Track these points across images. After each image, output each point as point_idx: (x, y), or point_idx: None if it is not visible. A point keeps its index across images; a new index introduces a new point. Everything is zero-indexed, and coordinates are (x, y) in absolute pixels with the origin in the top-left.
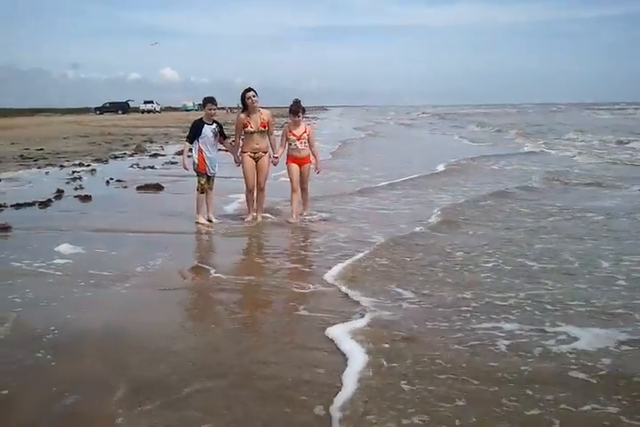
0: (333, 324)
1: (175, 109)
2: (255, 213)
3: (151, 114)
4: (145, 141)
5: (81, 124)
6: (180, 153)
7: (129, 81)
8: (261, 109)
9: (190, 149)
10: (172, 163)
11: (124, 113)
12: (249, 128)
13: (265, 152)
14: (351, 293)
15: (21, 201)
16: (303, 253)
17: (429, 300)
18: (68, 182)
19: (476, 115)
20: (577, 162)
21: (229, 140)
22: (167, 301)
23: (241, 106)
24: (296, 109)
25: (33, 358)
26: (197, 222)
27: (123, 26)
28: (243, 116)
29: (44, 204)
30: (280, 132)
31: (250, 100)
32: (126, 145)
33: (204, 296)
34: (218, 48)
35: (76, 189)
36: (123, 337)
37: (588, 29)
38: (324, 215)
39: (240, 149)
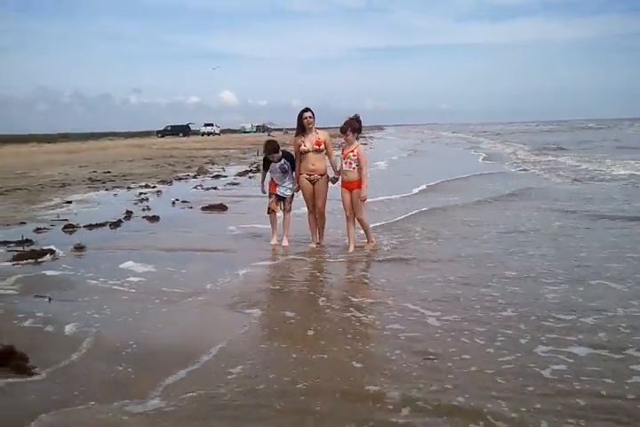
0: None
1: (234, 131)
2: (318, 238)
3: (211, 136)
4: (206, 163)
5: (143, 148)
6: (241, 174)
7: (188, 104)
8: (318, 130)
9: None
10: (234, 184)
11: (184, 136)
12: (303, 147)
13: (322, 175)
14: None
15: (93, 222)
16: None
17: None
18: (135, 203)
19: (529, 132)
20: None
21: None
22: (235, 317)
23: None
24: (345, 127)
25: (114, 370)
26: (270, 244)
27: (181, 50)
28: (298, 137)
29: (115, 224)
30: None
31: (306, 121)
32: (189, 167)
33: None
34: (275, 70)
35: (143, 209)
36: (195, 351)
37: None
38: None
39: (298, 172)
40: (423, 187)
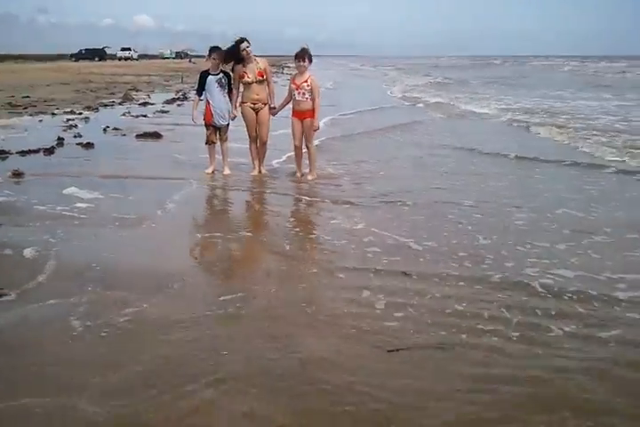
0: None
1: (152, 57)
2: (259, 166)
3: (128, 61)
4: (130, 90)
5: (59, 71)
6: (169, 102)
7: (101, 27)
8: (257, 58)
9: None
10: (163, 111)
11: (100, 60)
12: (246, 78)
13: (265, 103)
14: None
15: (24, 148)
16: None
17: None
18: (64, 130)
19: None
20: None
21: (233, 91)
22: (184, 238)
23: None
24: (301, 54)
25: (85, 290)
26: (206, 173)
27: None
28: (239, 67)
29: (49, 151)
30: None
31: (244, 52)
32: (112, 93)
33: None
34: None
35: (75, 136)
36: (160, 269)
37: None
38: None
39: (240, 100)
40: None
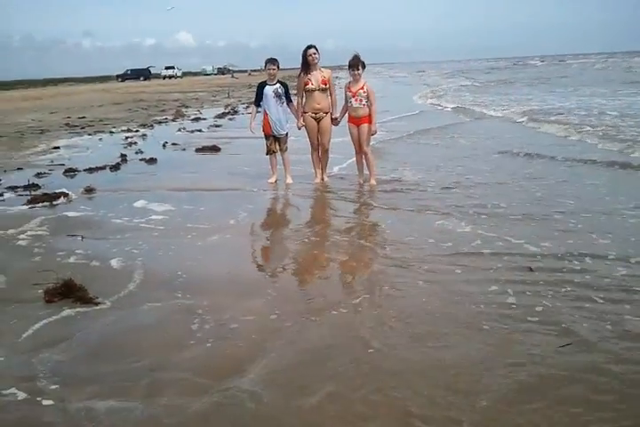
0: None
1: (195, 74)
2: (321, 174)
3: (172, 79)
4: (180, 106)
5: (109, 92)
6: (220, 116)
7: (144, 47)
8: (322, 68)
9: (258, 112)
10: (217, 126)
11: (145, 79)
12: (310, 85)
13: (327, 113)
14: None
15: (91, 166)
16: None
17: None
18: (125, 147)
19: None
20: None
21: (294, 104)
22: (261, 245)
23: (259, 69)
24: (355, 63)
25: (174, 297)
26: (269, 182)
27: None
28: (303, 74)
29: (115, 167)
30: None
31: (311, 57)
32: (163, 111)
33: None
34: (233, 10)
35: (136, 153)
36: (242, 277)
37: None
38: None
39: (302, 110)
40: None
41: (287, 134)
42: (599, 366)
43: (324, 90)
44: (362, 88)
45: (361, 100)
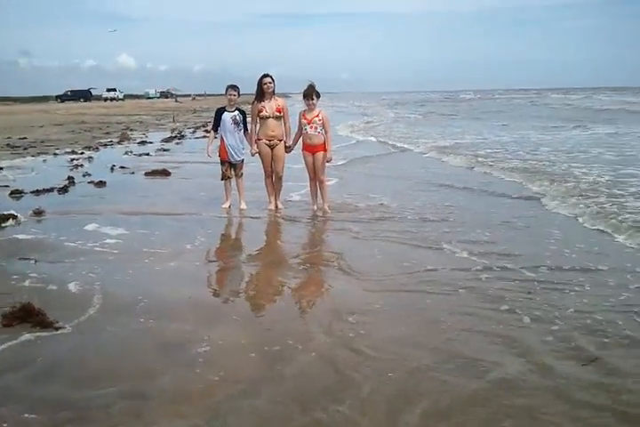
0: None
1: (137, 97)
2: (275, 201)
3: (114, 102)
4: (124, 129)
5: (49, 113)
6: (167, 140)
7: (84, 68)
8: (276, 97)
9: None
10: (164, 150)
11: (86, 101)
12: (264, 113)
13: (280, 140)
14: None
15: (37, 188)
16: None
17: None
18: (71, 169)
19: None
20: None
21: (248, 133)
22: (220, 270)
23: (202, 94)
24: (309, 93)
25: (136, 321)
26: (222, 207)
27: (72, 11)
28: (256, 102)
29: (63, 189)
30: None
31: (266, 86)
32: (107, 133)
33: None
34: (175, 34)
35: (84, 175)
36: (204, 302)
37: (554, 16)
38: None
39: (256, 137)
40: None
41: (243, 160)
42: None
43: (278, 117)
44: (317, 116)
45: (316, 128)
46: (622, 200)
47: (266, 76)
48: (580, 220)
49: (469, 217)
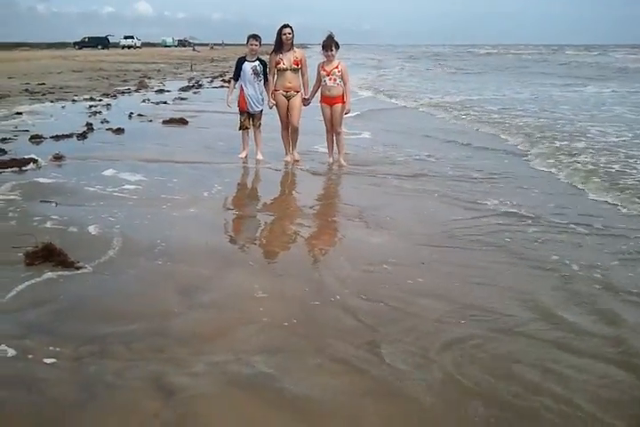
0: None
1: (154, 45)
2: (292, 152)
3: (131, 49)
4: (142, 77)
5: (67, 60)
6: (184, 89)
7: (102, 15)
8: (295, 48)
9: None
10: (182, 99)
11: (103, 48)
12: (281, 65)
13: (297, 91)
14: None
15: (56, 133)
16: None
17: None
18: (90, 116)
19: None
20: None
21: (269, 83)
22: (236, 218)
23: (220, 43)
24: (328, 44)
25: (155, 264)
26: (239, 157)
27: None
28: (276, 53)
29: (82, 135)
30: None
31: (285, 37)
32: (125, 81)
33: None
34: None
35: (102, 122)
36: (221, 247)
37: None
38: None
39: (273, 88)
40: None
41: (262, 111)
42: None
43: (295, 70)
44: (336, 67)
45: (335, 80)
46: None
47: (285, 26)
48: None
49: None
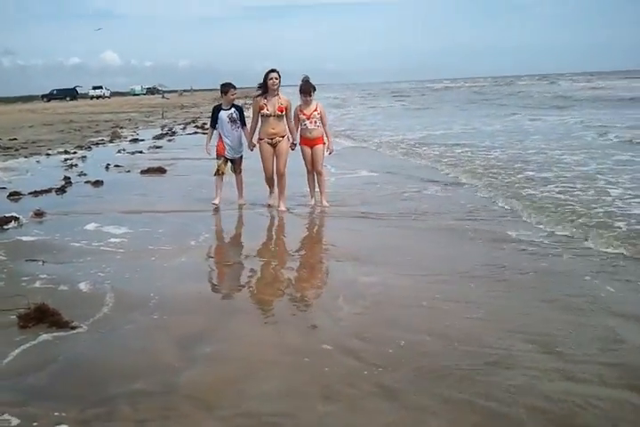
0: None
1: (123, 94)
2: (279, 202)
3: (101, 100)
4: (113, 127)
5: (36, 113)
6: (158, 137)
7: (68, 66)
8: (281, 95)
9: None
10: (157, 147)
11: (72, 99)
12: (265, 111)
13: (282, 136)
14: None
15: (35, 189)
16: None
17: None
18: (66, 169)
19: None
20: None
21: (248, 127)
22: (226, 266)
23: (189, 89)
24: (307, 89)
25: (150, 318)
26: (212, 203)
27: (55, 9)
28: (260, 98)
29: (61, 190)
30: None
31: (271, 82)
32: (97, 131)
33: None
34: (159, 30)
35: (79, 175)
36: (215, 297)
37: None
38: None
39: (257, 136)
40: None
41: (242, 157)
42: None
43: (279, 116)
44: (315, 110)
45: (315, 122)
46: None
47: (273, 71)
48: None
49: None
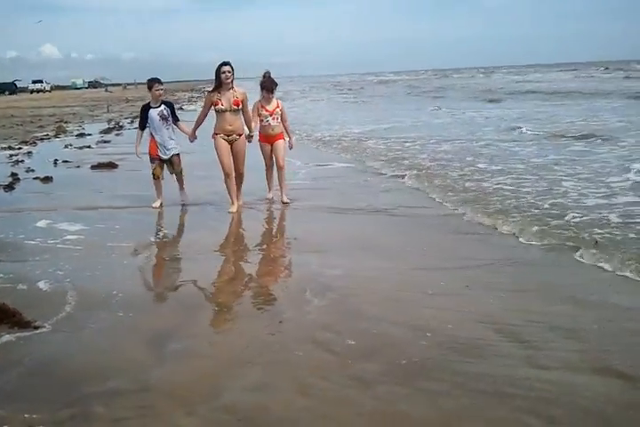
0: None
1: (64, 88)
2: (236, 201)
3: (41, 94)
4: (58, 122)
5: None
6: (106, 132)
7: (5, 60)
8: (236, 87)
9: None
10: (105, 142)
11: (11, 94)
12: (220, 106)
13: (240, 134)
14: None
15: None
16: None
17: None
18: (12, 165)
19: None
20: None
21: (180, 123)
22: (189, 261)
23: (133, 82)
24: (270, 86)
25: (116, 316)
26: (152, 206)
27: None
28: (213, 93)
29: (9, 187)
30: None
31: (224, 75)
32: (41, 126)
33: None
34: (104, 22)
35: (27, 171)
36: (180, 292)
37: None
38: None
39: (213, 131)
40: None
41: (179, 155)
42: None
43: (235, 111)
44: (277, 106)
45: (277, 119)
46: None
47: (225, 64)
48: None
49: None
